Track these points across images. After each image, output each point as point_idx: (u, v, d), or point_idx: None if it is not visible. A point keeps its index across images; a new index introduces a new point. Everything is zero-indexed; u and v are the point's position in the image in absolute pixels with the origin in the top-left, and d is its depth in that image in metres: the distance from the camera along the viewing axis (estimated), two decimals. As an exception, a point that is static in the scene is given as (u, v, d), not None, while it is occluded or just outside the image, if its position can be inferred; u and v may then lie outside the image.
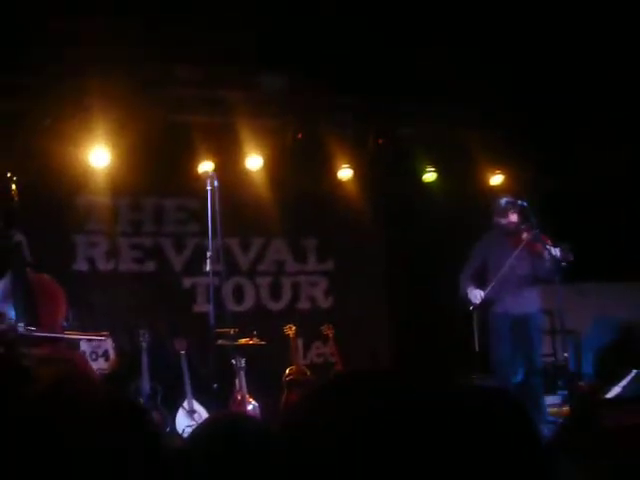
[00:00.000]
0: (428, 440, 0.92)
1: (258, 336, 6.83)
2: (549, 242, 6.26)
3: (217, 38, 6.58)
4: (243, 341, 6.66)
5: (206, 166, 7.07)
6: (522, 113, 7.68)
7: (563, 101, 7.37)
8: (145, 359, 6.82)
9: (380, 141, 7.87)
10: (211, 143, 7.23)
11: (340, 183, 8.13)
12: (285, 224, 8.11)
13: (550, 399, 7.03)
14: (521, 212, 6.42)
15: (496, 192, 7.35)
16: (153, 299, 7.64)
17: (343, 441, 0.91)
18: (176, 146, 7.23)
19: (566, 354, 6.81)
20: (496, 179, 8.13)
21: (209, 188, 6.11)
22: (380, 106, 7.72)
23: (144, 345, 6.85)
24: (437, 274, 7.61)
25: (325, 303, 8.59)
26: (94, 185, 7.30)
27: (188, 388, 6.85)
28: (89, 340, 6.41)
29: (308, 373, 7.50)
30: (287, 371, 7.42)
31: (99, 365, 7.09)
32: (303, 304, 8.51)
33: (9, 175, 6.06)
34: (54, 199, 7.22)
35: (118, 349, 7.22)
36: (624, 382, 6.12)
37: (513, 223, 6.47)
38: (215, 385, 6.02)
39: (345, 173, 8.03)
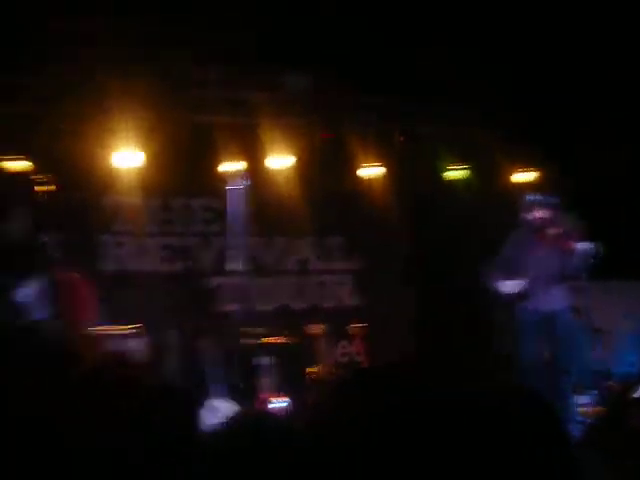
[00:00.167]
0: (442, 438, 0.92)
1: (285, 335, 6.86)
2: (577, 238, 6.21)
3: (241, 39, 6.61)
4: (269, 340, 6.68)
5: (232, 166, 7.10)
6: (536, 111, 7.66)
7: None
8: (172, 358, 6.87)
9: (403, 139, 7.88)
10: (237, 143, 7.27)
11: (365, 181, 8.12)
12: (310, 223, 8.12)
13: (579, 399, 6.97)
14: (549, 208, 6.38)
15: (523, 189, 7.31)
16: (181, 299, 7.68)
17: (362, 438, 0.92)
18: (203, 147, 7.28)
19: (595, 352, 6.75)
20: (522, 176, 8.09)
21: (232, 188, 6.15)
22: (404, 105, 7.73)
23: (171, 344, 6.89)
24: (463, 271, 7.58)
25: (351, 302, 8.59)
26: (123, 186, 7.36)
27: (214, 387, 6.88)
28: (120, 335, 6.44)
29: (334, 372, 7.50)
30: (312, 369, 7.43)
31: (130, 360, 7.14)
32: (329, 303, 8.51)
33: (38, 176, 6.17)
34: (83, 200, 7.29)
35: (147, 347, 7.28)
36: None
37: (540, 219, 6.42)
38: (240, 384, 6.05)
39: (370, 171, 8.04)
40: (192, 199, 7.99)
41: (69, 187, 7.00)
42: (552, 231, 6.35)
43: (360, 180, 8.10)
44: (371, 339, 7.90)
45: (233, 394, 6.49)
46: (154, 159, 7.12)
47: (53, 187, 6.40)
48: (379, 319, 8.20)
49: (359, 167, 8.01)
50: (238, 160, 7.18)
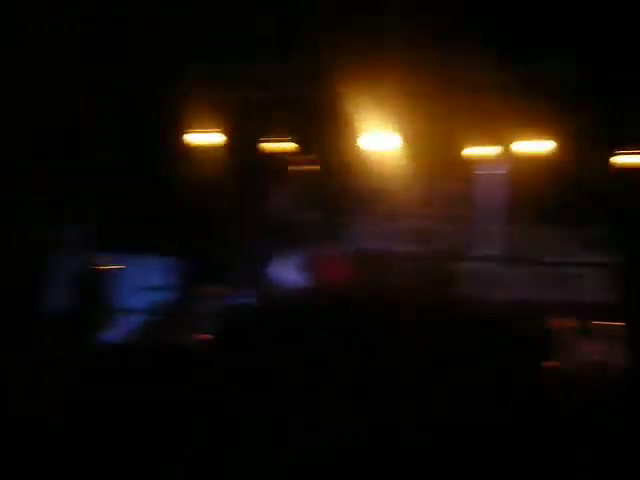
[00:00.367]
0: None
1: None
2: None
3: (507, 24, 6.52)
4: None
5: (486, 150, 7.04)
6: None
7: None
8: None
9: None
10: (494, 127, 7.18)
11: (622, 170, 7.69)
12: (567, 212, 7.84)
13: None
14: None
15: None
16: (425, 281, 7.76)
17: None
18: (455, 130, 7.27)
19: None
20: None
21: (486, 172, 6.10)
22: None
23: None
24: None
25: (602, 297, 8.20)
26: (371, 168, 7.57)
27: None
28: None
29: (580, 369, 7.22)
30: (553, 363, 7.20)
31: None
32: (578, 297, 8.19)
33: (306, 157, 6.52)
34: (340, 181, 7.58)
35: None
36: None
37: None
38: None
39: (628, 159, 7.60)
40: (441, 182, 8.03)
41: (328, 168, 7.29)
42: None
43: (616, 168, 7.69)
44: (627, 339, 7.49)
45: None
46: (407, 142, 7.25)
47: (315, 168, 6.71)
48: (636, 318, 7.74)
49: (617, 154, 7.61)
50: (493, 144, 7.09)
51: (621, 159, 7.53)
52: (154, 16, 6.66)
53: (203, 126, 7.43)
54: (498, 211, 6.01)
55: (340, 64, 6.94)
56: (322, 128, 7.13)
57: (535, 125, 7.18)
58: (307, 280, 5.98)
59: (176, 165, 7.35)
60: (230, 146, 7.41)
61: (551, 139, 7.30)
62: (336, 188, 7.50)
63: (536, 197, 7.67)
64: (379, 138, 7.22)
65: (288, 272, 6.20)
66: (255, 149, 7.34)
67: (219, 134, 7.46)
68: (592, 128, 7.30)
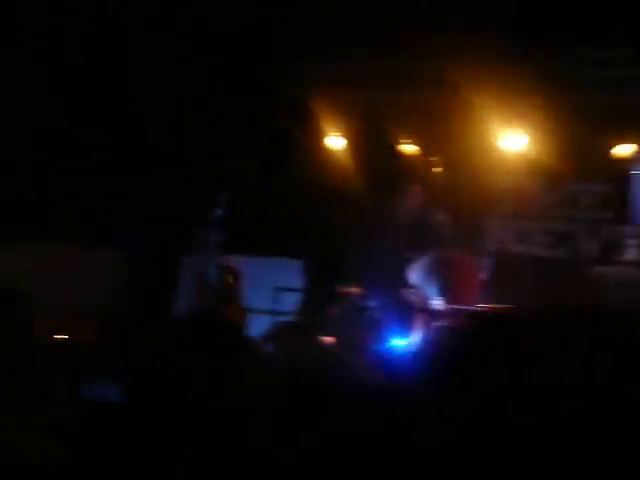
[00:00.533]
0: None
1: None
2: None
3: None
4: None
5: (626, 149, 6.70)
6: None
7: None
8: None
9: None
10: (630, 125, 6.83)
11: None
12: None
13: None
14: None
15: None
16: (561, 286, 7.48)
17: None
18: (592, 129, 6.97)
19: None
20: None
21: (634, 172, 5.78)
22: None
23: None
24: None
25: None
26: (509, 167, 7.37)
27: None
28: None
29: None
30: None
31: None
32: None
33: (433, 158, 6.43)
34: (469, 182, 7.43)
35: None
36: None
37: None
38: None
39: None
40: (580, 183, 7.72)
41: (456, 169, 7.17)
42: None
43: None
44: None
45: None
46: (541, 141, 7.02)
47: (441, 169, 6.61)
48: None
49: None
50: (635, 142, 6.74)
51: None
52: (281, 16, 6.71)
53: (331, 128, 7.44)
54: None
55: (467, 64, 6.81)
56: (453, 129, 7.00)
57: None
58: (443, 284, 5.82)
59: (306, 167, 7.38)
60: (359, 148, 7.38)
61: None
62: (470, 189, 7.33)
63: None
64: (514, 138, 7.01)
65: (422, 275, 6.06)
66: (384, 150, 7.28)
67: (347, 135, 7.45)
68: None
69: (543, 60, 6.84)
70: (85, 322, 7.21)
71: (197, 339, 1.71)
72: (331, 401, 1.18)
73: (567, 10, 6.52)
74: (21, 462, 1.69)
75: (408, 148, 7.33)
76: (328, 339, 6.05)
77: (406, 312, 5.93)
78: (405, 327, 5.94)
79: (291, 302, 7.24)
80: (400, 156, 7.29)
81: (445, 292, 5.86)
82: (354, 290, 6.20)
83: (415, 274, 6.12)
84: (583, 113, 6.89)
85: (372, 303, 5.75)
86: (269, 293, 7.40)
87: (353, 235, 6.80)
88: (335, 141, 7.47)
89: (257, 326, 6.18)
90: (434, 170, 6.40)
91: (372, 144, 7.26)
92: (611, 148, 6.98)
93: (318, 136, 7.43)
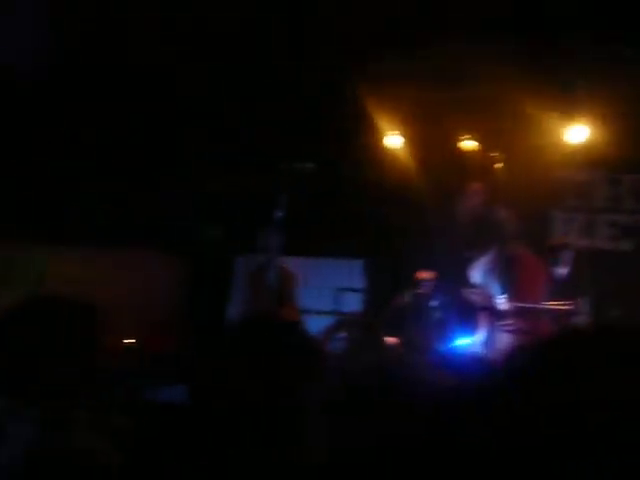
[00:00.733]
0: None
1: None
2: None
3: None
4: None
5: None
6: None
7: None
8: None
9: None
10: None
11: None
12: None
13: None
14: None
15: None
16: (627, 279, 7.30)
17: None
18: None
19: None
20: None
21: None
22: None
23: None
24: None
25: None
26: (571, 160, 7.25)
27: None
28: (557, 311, 6.35)
29: None
30: None
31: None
32: None
33: (495, 154, 6.35)
34: (535, 176, 7.32)
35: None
36: None
37: None
38: None
39: None
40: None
41: (518, 164, 7.07)
42: None
43: None
44: None
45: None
46: (603, 133, 6.88)
47: (502, 165, 6.52)
48: None
49: None
50: None
51: None
52: (341, 14, 6.71)
53: (390, 127, 7.40)
54: None
55: (523, 60, 6.72)
56: (514, 124, 6.92)
57: None
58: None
59: (366, 167, 7.37)
60: (419, 146, 7.34)
61: None
62: (532, 184, 7.23)
63: None
64: (576, 131, 6.89)
65: (484, 273, 5.99)
66: (444, 148, 7.22)
67: (406, 134, 7.41)
68: None
69: (605, 52, 6.70)
70: (152, 326, 7.35)
71: (259, 340, 1.72)
72: (392, 402, 1.17)
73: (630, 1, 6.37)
74: (95, 465, 1.73)
75: (468, 145, 7.25)
76: (390, 339, 6.05)
77: (469, 311, 5.88)
78: (468, 326, 5.89)
79: (352, 302, 7.25)
80: (461, 153, 7.22)
81: (509, 290, 5.79)
82: (428, 275, 6.16)
83: (477, 272, 6.07)
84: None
85: (435, 303, 5.71)
86: (330, 294, 7.41)
87: (414, 235, 6.77)
88: (394, 140, 7.43)
89: (319, 327, 6.19)
90: (496, 166, 6.30)
91: (432, 142, 7.21)
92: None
93: (377, 135, 7.40)
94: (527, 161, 7.09)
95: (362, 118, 7.17)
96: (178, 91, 7.31)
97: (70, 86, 7.07)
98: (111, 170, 7.48)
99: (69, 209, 7.42)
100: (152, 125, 7.47)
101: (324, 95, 7.03)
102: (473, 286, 5.93)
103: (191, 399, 1.57)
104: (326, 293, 7.37)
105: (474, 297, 5.89)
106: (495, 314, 5.77)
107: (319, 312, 7.13)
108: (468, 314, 5.89)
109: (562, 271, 6.05)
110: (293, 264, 6.57)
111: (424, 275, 6.20)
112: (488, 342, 5.72)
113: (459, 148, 7.26)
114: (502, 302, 5.76)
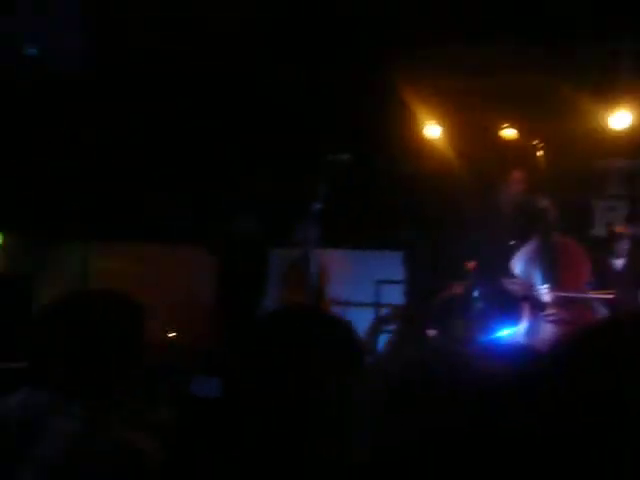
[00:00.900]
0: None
1: None
2: None
3: None
4: None
5: None
6: None
7: None
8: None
9: None
10: None
11: None
12: None
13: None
14: None
15: None
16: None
17: None
18: None
19: None
20: None
21: None
22: None
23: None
24: None
25: None
26: (614, 148, 7.13)
27: None
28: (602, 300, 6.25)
29: None
30: None
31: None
32: None
33: (535, 142, 6.27)
34: (576, 164, 7.22)
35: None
36: None
37: None
38: None
39: None
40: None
41: (560, 152, 6.98)
42: None
43: None
44: None
45: None
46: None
47: (543, 152, 6.43)
48: None
49: None
50: None
51: None
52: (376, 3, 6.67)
53: (428, 116, 7.34)
54: None
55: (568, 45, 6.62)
56: (555, 110, 6.81)
57: None
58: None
59: (404, 157, 7.33)
60: (458, 136, 7.27)
61: None
62: (575, 172, 7.13)
63: None
64: (619, 117, 6.76)
65: (526, 262, 5.93)
66: (484, 137, 7.15)
67: (445, 123, 7.34)
68: None
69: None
70: (192, 320, 7.42)
71: (302, 333, 1.71)
72: (433, 395, 1.16)
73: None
74: (137, 463, 1.75)
75: (509, 133, 7.17)
76: (432, 331, 6.01)
77: (511, 302, 5.82)
78: (511, 317, 5.83)
79: (392, 294, 7.22)
80: (501, 142, 7.15)
81: (551, 280, 5.73)
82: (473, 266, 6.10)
83: (519, 262, 6.00)
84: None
85: (476, 293, 5.66)
86: (371, 286, 7.40)
87: (454, 225, 6.71)
88: (433, 130, 7.37)
89: (359, 319, 6.18)
90: (536, 154, 6.22)
91: (471, 131, 7.14)
92: None
93: (415, 125, 7.35)
94: (568, 149, 6.99)
95: (400, 109, 7.13)
96: (216, 86, 7.35)
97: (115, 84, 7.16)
98: (155, 167, 7.57)
99: (116, 205, 7.51)
100: (189, 124, 7.53)
101: (359, 86, 7.01)
102: (514, 276, 5.87)
103: (231, 394, 1.57)
104: (366, 285, 7.36)
105: (516, 287, 5.83)
106: (537, 304, 5.70)
107: (359, 304, 7.13)
108: (510, 304, 5.82)
109: (620, 261, 5.98)
110: (332, 257, 6.57)
111: (472, 265, 6.16)
112: (531, 332, 5.66)
113: (499, 137, 7.18)
114: (544, 292, 5.70)
